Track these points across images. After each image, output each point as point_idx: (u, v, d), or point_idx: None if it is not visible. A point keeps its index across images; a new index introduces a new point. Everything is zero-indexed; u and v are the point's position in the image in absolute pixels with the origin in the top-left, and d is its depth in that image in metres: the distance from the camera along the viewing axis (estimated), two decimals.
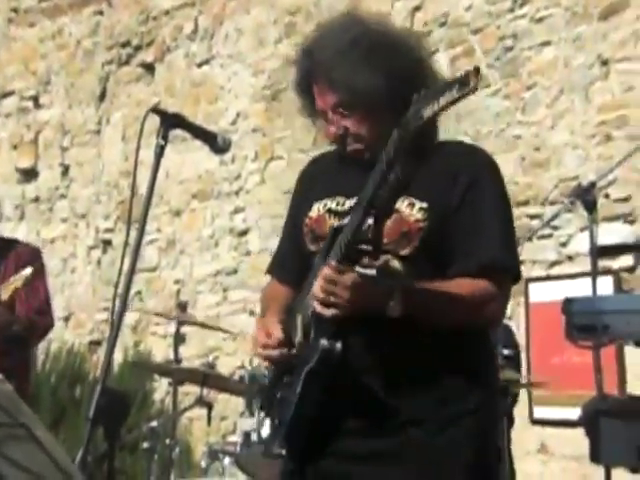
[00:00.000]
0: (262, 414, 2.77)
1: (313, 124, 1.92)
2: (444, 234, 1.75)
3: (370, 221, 1.68)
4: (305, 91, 1.87)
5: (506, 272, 1.78)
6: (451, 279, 1.74)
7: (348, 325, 1.70)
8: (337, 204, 1.84)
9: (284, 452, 1.80)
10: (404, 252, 1.74)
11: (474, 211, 1.76)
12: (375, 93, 1.75)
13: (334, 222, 1.81)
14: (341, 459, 1.76)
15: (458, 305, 1.72)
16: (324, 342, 1.69)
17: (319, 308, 1.69)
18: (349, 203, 1.81)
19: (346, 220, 1.74)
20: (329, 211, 1.84)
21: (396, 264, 1.74)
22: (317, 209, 1.86)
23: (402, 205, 1.75)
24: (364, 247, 1.68)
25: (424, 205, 1.76)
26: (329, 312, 1.68)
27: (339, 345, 1.68)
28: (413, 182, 1.74)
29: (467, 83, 1.48)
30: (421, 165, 1.74)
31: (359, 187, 1.72)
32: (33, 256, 3.34)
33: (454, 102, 1.50)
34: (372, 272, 1.69)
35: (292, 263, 1.93)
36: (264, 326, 1.83)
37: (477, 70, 1.48)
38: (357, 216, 1.67)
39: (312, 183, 1.95)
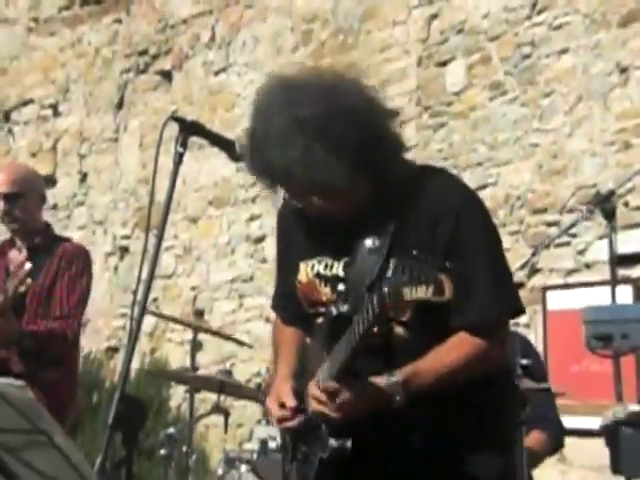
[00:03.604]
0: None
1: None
2: None
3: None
4: (264, 174, 1.78)
5: (499, 324, 1.80)
6: (446, 340, 1.76)
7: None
8: (325, 267, 1.84)
9: None
10: (404, 318, 1.73)
11: (460, 264, 1.70)
12: (339, 179, 1.70)
13: (326, 290, 1.82)
14: None
15: (456, 372, 1.75)
16: (333, 443, 1.71)
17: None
18: (336, 266, 1.82)
19: (343, 309, 1.75)
20: (318, 275, 1.84)
21: (400, 330, 1.75)
22: (305, 272, 1.86)
23: None
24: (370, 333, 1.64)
25: None
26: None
27: (349, 444, 1.71)
28: (397, 243, 1.74)
29: (442, 292, 1.49)
30: (402, 220, 1.75)
31: (343, 245, 1.78)
32: (78, 254, 3.23)
33: (426, 302, 1.50)
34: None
35: (293, 306, 1.95)
36: (277, 396, 1.85)
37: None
38: (345, 351, 1.67)
39: (295, 230, 1.92)
